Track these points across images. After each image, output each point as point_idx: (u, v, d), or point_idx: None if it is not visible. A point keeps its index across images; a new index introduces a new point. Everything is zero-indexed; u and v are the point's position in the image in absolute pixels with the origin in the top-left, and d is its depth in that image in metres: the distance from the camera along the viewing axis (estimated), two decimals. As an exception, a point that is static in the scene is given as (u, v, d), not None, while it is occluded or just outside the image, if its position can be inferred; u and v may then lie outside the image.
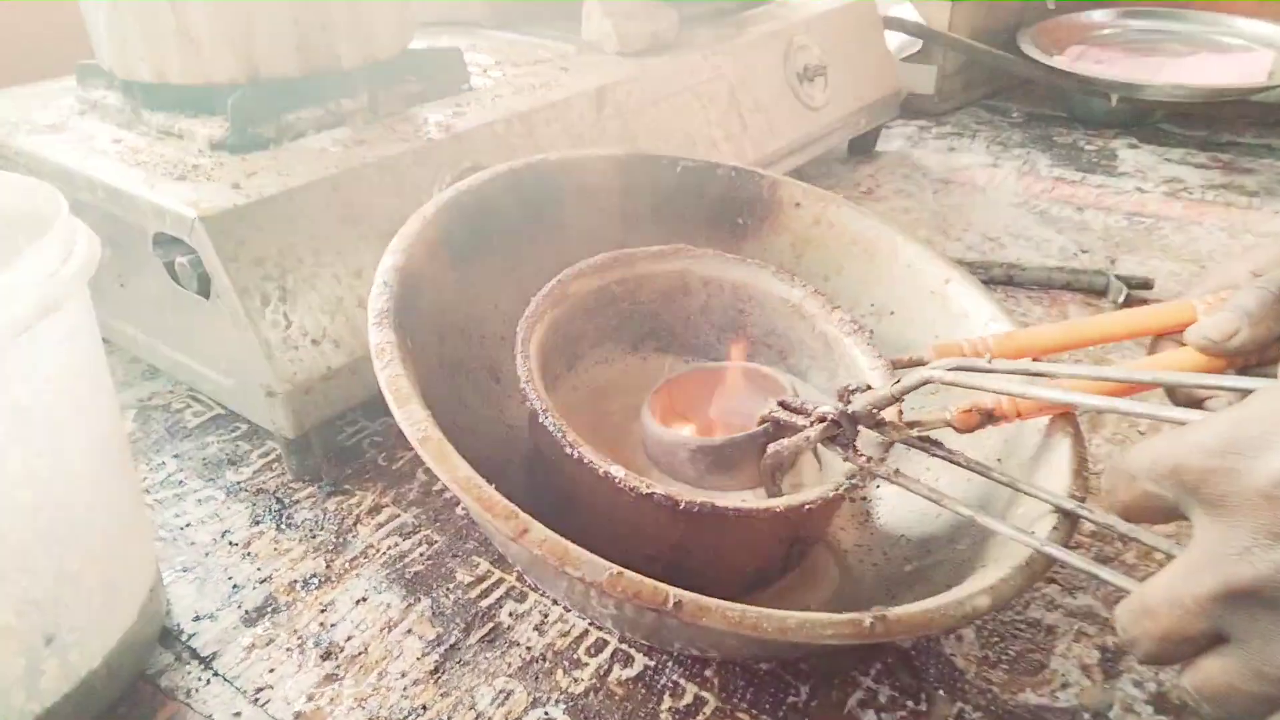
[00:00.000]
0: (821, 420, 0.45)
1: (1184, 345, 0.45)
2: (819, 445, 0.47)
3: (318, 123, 0.70)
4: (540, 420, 0.47)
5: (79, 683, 0.46)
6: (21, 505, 0.41)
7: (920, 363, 0.53)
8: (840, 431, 0.45)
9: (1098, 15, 1.44)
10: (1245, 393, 0.32)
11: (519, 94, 0.79)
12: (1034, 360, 0.47)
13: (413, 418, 0.41)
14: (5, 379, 0.39)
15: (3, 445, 0.40)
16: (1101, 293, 0.86)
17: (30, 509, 0.42)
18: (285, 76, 0.69)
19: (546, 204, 0.62)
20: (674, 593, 0.36)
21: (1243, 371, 0.44)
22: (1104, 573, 0.37)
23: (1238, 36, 1.37)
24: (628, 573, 0.37)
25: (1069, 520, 0.42)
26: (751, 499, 0.48)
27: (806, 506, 0.46)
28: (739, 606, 0.37)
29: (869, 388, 0.46)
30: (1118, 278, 0.85)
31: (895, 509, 0.57)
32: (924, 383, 0.43)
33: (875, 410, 0.45)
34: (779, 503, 0.46)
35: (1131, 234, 0.99)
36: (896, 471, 0.45)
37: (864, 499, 0.59)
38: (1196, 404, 0.44)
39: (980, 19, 1.31)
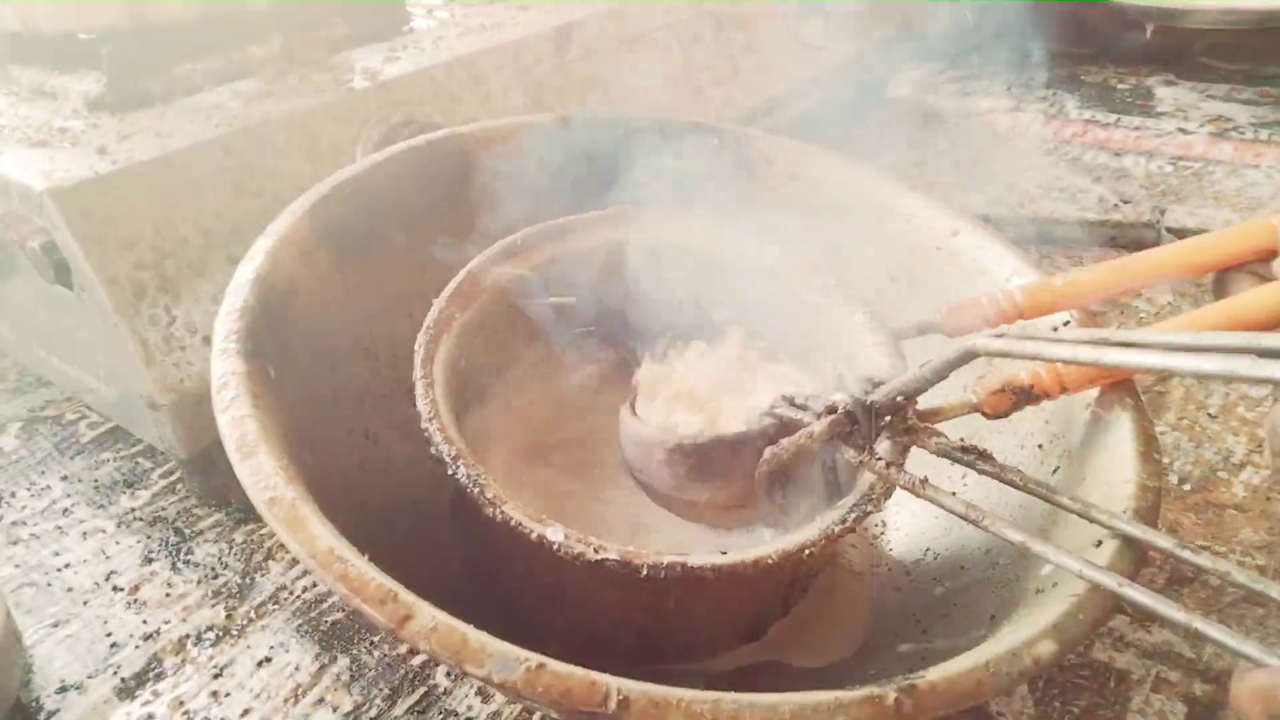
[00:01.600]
0: (831, 412, 0.34)
1: (1271, 280, 0.34)
2: (832, 449, 0.36)
3: (218, 75, 0.59)
4: (451, 474, 0.36)
5: (-123, 797, 0.35)
6: None
7: (933, 327, 0.42)
8: (855, 429, 0.34)
9: (1126, -60, 1.30)
10: None
11: (466, 35, 0.68)
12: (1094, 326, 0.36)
13: (259, 472, 0.30)
14: None
15: None
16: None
17: None
18: (178, 20, 0.58)
19: (465, 188, 0.50)
20: (616, 687, 0.26)
21: None
22: (1213, 630, 0.27)
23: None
24: (550, 664, 0.26)
25: (1137, 549, 0.31)
26: (736, 544, 0.37)
27: (807, 550, 0.35)
28: (710, 696, 0.26)
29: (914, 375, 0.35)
30: (1169, 230, 0.73)
31: (915, 517, 0.46)
32: (967, 358, 0.32)
33: (902, 399, 0.34)
34: (770, 551, 0.35)
35: (1178, 180, 0.87)
36: (924, 482, 0.34)
37: (881, 533, 0.48)
38: None
39: (996, -53, 1.18)
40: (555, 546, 0.33)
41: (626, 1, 0.75)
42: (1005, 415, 0.38)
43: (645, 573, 0.33)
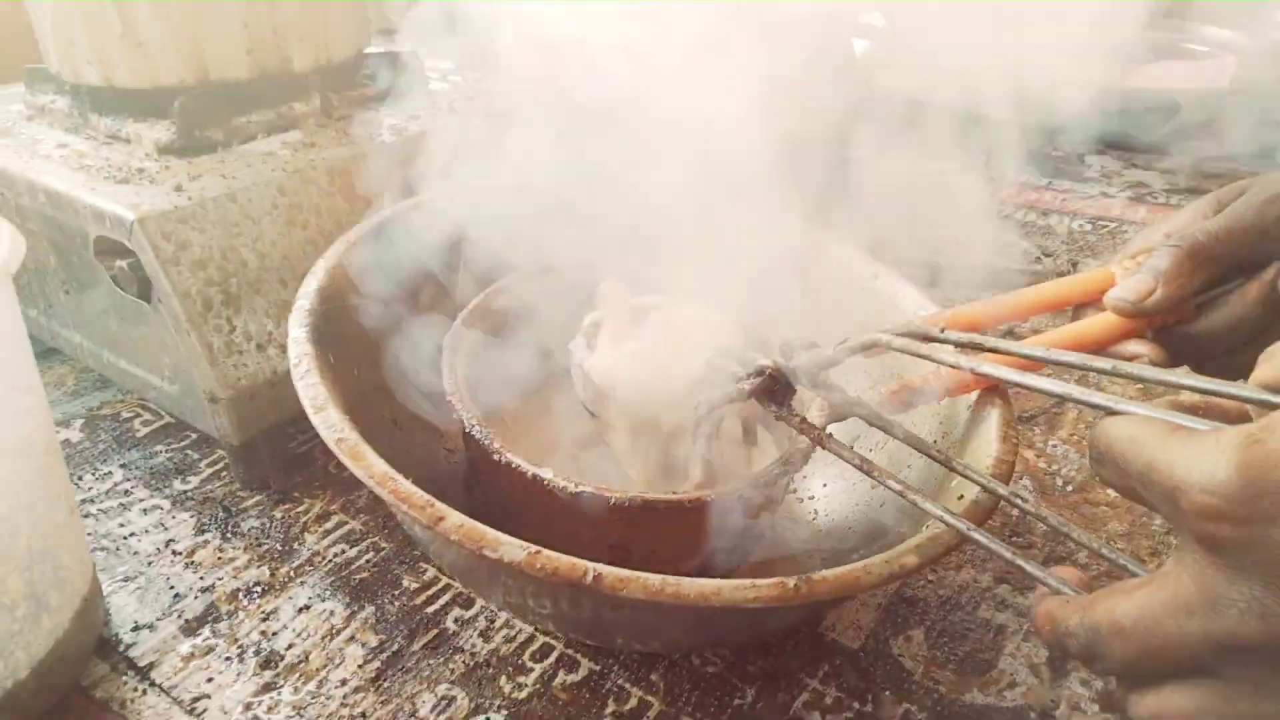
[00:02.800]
0: (759, 374, 0.44)
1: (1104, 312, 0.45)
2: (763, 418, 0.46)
3: (268, 126, 0.69)
4: (467, 430, 0.46)
5: (3, 695, 0.44)
6: (-58, 501, 0.40)
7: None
8: (777, 389, 0.44)
9: (1064, 23, 1.45)
10: (1206, 392, 0.30)
11: (473, 100, 0.79)
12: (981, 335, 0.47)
13: (329, 421, 0.40)
14: (-81, 380, 0.38)
15: (-82, 446, 0.39)
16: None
17: (-49, 505, 0.41)
18: (235, 79, 0.69)
19: (481, 218, 0.61)
20: (592, 566, 0.36)
21: (1159, 332, 0.44)
22: (1024, 563, 0.36)
23: (1204, 43, 1.38)
24: (545, 551, 0.36)
25: (990, 498, 0.42)
26: (686, 490, 0.47)
27: (739, 493, 0.45)
28: (659, 576, 0.36)
29: (814, 345, 0.46)
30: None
31: (839, 505, 0.57)
32: (870, 345, 0.42)
33: (817, 370, 0.44)
34: (709, 491, 0.45)
35: (1095, 238, 0.99)
36: (829, 436, 0.44)
37: (811, 497, 0.58)
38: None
39: (947, 26, 1.32)
40: (545, 482, 0.43)
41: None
42: (904, 411, 0.48)
43: (612, 501, 0.43)
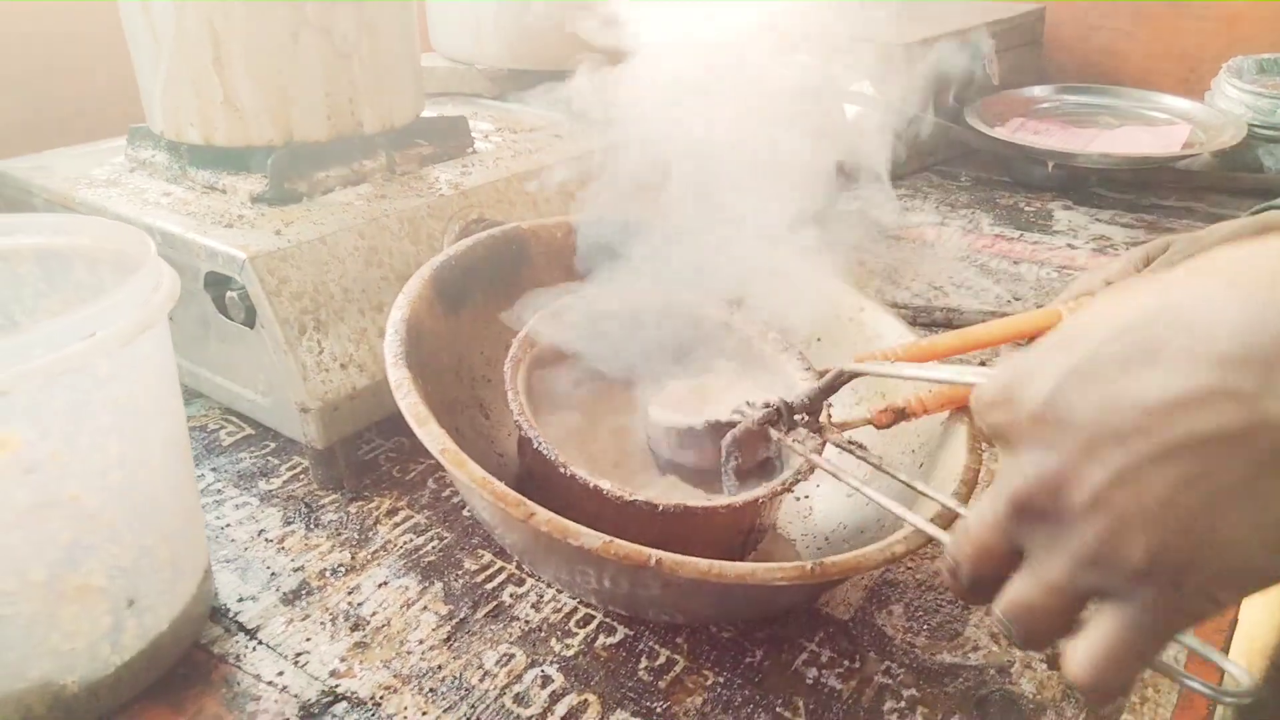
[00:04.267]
0: (766, 407, 0.55)
1: None
2: (773, 441, 0.57)
3: (343, 180, 0.81)
4: (535, 446, 0.56)
5: (150, 642, 0.54)
6: (115, 485, 0.51)
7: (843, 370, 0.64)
8: (780, 418, 0.55)
9: (1037, 91, 1.59)
10: None
11: (518, 156, 0.91)
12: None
13: (433, 435, 0.51)
14: (111, 378, 0.49)
15: (105, 432, 0.49)
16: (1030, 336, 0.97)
17: (120, 489, 0.51)
18: (315, 140, 0.80)
19: (520, 263, 0.73)
20: (654, 553, 0.46)
21: None
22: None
23: (1162, 111, 1.51)
24: (617, 540, 0.46)
25: (949, 513, 0.52)
26: (717, 499, 0.58)
27: (760, 500, 0.56)
28: (707, 560, 0.46)
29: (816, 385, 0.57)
30: (1043, 321, 0.96)
31: (831, 504, 0.67)
32: (840, 374, 0.53)
33: (808, 400, 0.55)
34: (738, 499, 0.56)
35: (1059, 285, 1.11)
36: (821, 452, 0.55)
37: (806, 497, 0.69)
38: None
39: (930, 94, 1.45)
40: (605, 491, 0.53)
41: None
42: (889, 427, 0.59)
43: (661, 508, 0.53)
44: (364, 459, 0.77)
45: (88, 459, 0.48)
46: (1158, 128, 1.46)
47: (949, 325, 1.00)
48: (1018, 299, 1.07)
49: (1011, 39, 1.59)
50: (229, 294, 0.68)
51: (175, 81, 0.78)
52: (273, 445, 0.79)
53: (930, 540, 0.50)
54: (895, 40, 1.39)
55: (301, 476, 0.75)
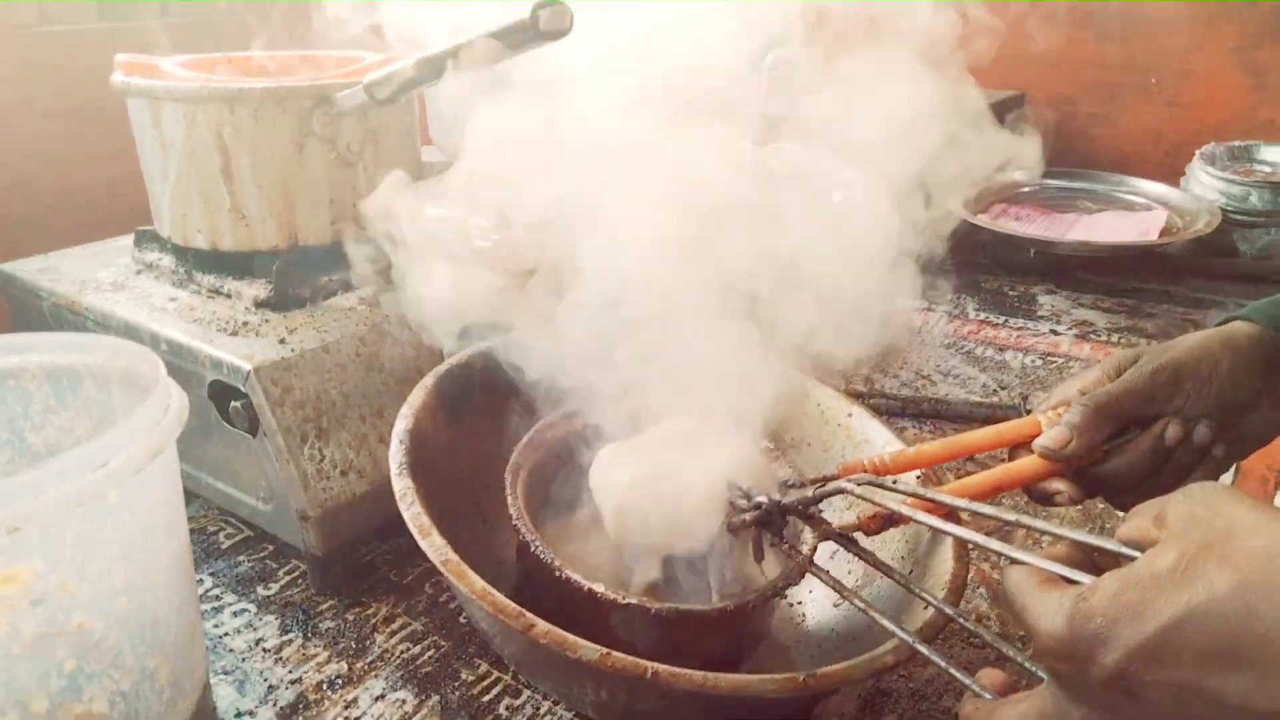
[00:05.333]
0: (758, 508, 0.56)
1: (1032, 454, 0.58)
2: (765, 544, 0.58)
3: (346, 284, 0.83)
4: (532, 550, 0.57)
5: (149, 765, 0.54)
6: (120, 611, 0.51)
7: (833, 478, 0.65)
8: (771, 520, 0.56)
9: (1019, 175, 1.63)
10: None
11: (516, 254, 0.93)
12: (924, 484, 0.60)
13: (435, 545, 0.52)
14: (120, 507, 0.50)
15: (114, 559, 0.50)
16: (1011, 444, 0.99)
17: (126, 614, 0.52)
18: (320, 243, 0.82)
19: (520, 370, 0.74)
20: (650, 665, 0.47)
21: (1077, 471, 0.57)
22: (954, 670, 0.47)
23: (1140, 195, 1.56)
24: (614, 652, 0.47)
25: (941, 616, 0.53)
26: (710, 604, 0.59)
27: (751, 604, 0.57)
28: (702, 673, 0.47)
29: (803, 484, 0.58)
30: (1028, 411, 0.98)
31: (823, 609, 0.68)
32: (839, 491, 0.55)
33: (800, 506, 0.56)
34: (729, 602, 0.57)
35: (1045, 372, 1.14)
36: (811, 561, 0.56)
37: (799, 603, 0.69)
38: (1047, 498, 0.57)
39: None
40: (599, 595, 0.54)
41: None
42: (878, 533, 0.60)
43: (653, 611, 0.54)
44: (362, 562, 0.77)
45: (96, 587, 0.49)
46: (1136, 213, 1.50)
47: (937, 416, 1.02)
48: (1003, 388, 1.10)
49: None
50: (233, 404, 0.69)
51: (184, 189, 0.80)
52: (271, 548, 0.79)
53: (915, 653, 0.51)
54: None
55: (300, 581, 0.75)
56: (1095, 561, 0.43)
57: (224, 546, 0.79)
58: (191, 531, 0.81)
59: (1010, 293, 1.40)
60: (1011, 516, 0.47)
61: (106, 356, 0.61)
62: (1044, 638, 0.37)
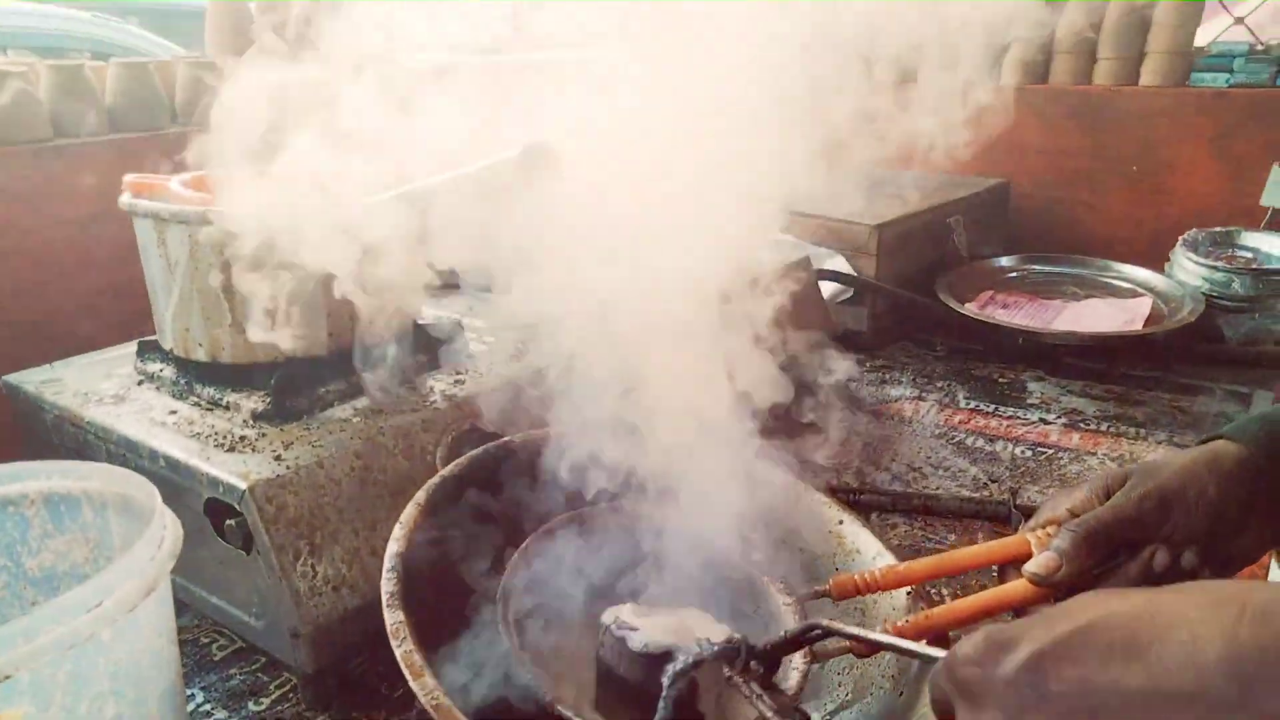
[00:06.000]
0: (725, 643, 0.56)
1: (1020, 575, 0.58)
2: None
3: (342, 395, 0.85)
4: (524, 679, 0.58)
5: None
6: (111, 747, 0.52)
7: (825, 593, 0.65)
8: (737, 658, 0.56)
9: (1005, 261, 1.67)
10: None
11: (509, 361, 0.95)
12: (914, 600, 0.60)
13: (426, 688, 0.52)
14: (112, 645, 0.51)
15: (105, 696, 0.51)
16: (1005, 521, 1.00)
17: (116, 750, 0.52)
18: (317, 354, 0.85)
19: (512, 473, 0.75)
20: None
21: (1067, 594, 0.57)
22: None
23: (1125, 280, 1.59)
24: None
25: None
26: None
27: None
28: None
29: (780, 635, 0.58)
30: (1017, 507, 0.99)
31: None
32: (811, 629, 0.55)
33: (770, 648, 0.56)
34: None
35: (1035, 464, 1.15)
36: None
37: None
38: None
39: (903, 268, 1.52)
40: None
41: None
42: (870, 655, 0.61)
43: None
44: (354, 675, 0.77)
45: (86, 728, 0.49)
46: (1122, 299, 1.53)
47: (927, 512, 1.03)
48: (994, 480, 1.10)
49: (978, 213, 1.68)
50: (228, 522, 0.71)
51: (186, 305, 0.83)
52: (263, 660, 0.79)
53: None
54: (866, 220, 1.47)
55: (291, 695, 0.75)
56: None
57: (217, 659, 0.80)
58: (185, 643, 0.81)
59: (1000, 379, 1.41)
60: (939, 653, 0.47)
61: (103, 483, 0.62)
62: (958, 654, 0.39)
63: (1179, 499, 0.60)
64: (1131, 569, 0.58)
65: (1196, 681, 0.34)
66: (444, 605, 0.68)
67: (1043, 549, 0.59)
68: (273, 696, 0.75)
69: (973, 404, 1.33)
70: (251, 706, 0.74)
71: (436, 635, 0.65)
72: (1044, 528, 0.64)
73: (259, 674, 0.78)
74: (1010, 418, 1.28)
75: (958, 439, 1.22)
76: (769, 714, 0.53)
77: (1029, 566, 0.59)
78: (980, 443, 1.21)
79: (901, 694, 0.64)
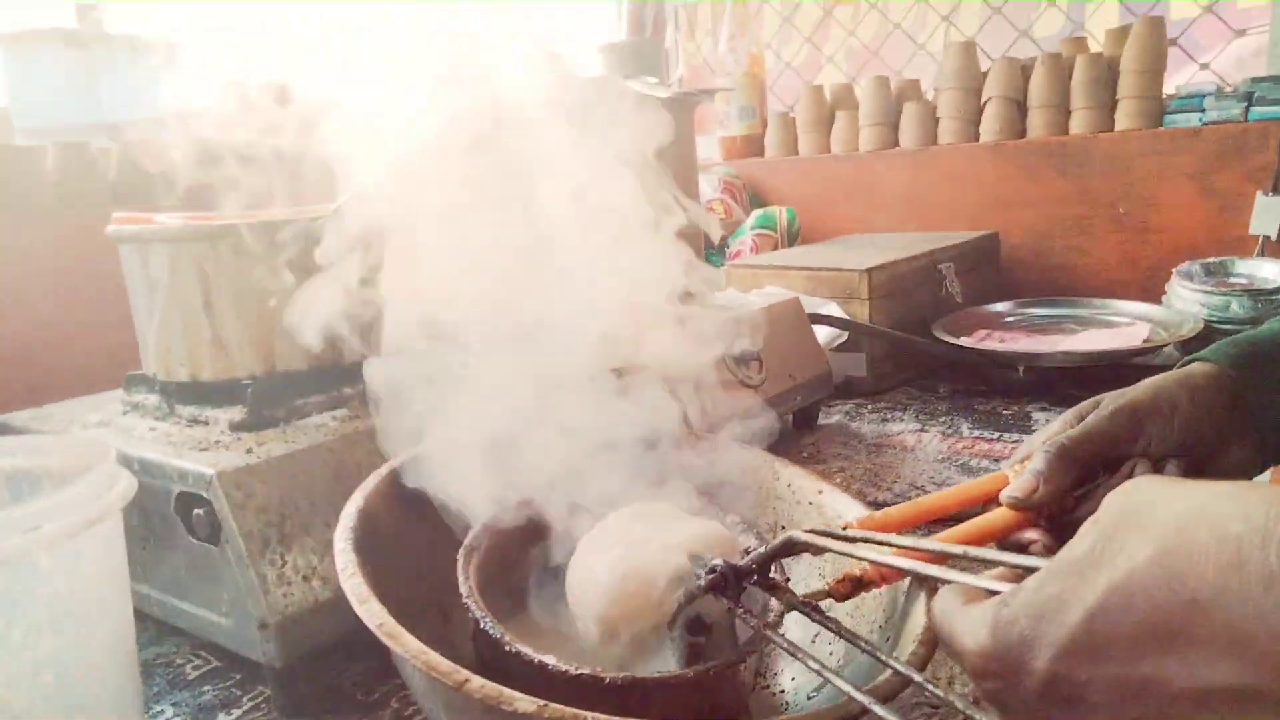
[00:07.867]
0: (712, 571, 0.54)
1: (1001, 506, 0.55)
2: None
3: (321, 406, 0.85)
4: (481, 627, 0.55)
5: None
6: (44, 687, 0.49)
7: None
8: (726, 584, 0.54)
9: (1000, 306, 1.67)
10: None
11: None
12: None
13: (371, 611, 0.50)
14: (53, 574, 0.49)
15: (39, 629, 0.49)
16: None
17: (51, 692, 0.50)
18: (297, 368, 0.85)
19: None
20: (591, 714, 0.44)
21: (1051, 521, 0.54)
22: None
23: (1122, 315, 1.58)
24: (552, 704, 0.44)
25: (899, 679, 0.49)
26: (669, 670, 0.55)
27: (712, 671, 0.53)
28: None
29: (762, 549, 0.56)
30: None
31: (799, 680, 0.63)
32: (788, 542, 0.53)
33: (754, 566, 0.54)
34: (690, 670, 0.53)
35: (1043, 475, 1.11)
36: (770, 626, 0.53)
37: (781, 691, 0.65)
38: (1023, 550, 0.54)
39: (897, 313, 1.52)
40: (550, 666, 0.52)
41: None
42: (848, 598, 0.57)
43: (606, 681, 0.51)
44: (329, 683, 0.74)
45: (18, 656, 0.47)
46: (1119, 329, 1.51)
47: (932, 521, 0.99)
48: (1001, 491, 1.07)
49: (969, 260, 1.69)
50: (195, 511, 0.69)
51: (168, 323, 0.84)
52: (238, 677, 0.76)
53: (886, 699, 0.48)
54: (857, 266, 1.49)
55: (264, 706, 0.72)
56: None
57: (190, 677, 0.77)
58: (159, 665, 0.79)
59: (1004, 412, 1.39)
60: (958, 550, 0.45)
61: (65, 458, 0.62)
62: (972, 656, 0.35)
63: (1150, 411, 0.59)
64: (1113, 484, 0.55)
65: (1250, 676, 0.29)
66: (410, 583, 0.65)
67: None
68: (244, 708, 0.72)
69: (976, 433, 1.30)
70: (222, 717, 0.71)
71: (402, 609, 0.63)
72: (1020, 462, 0.62)
73: (233, 689, 0.75)
74: (1015, 442, 1.25)
75: (961, 461, 1.19)
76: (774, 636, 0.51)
77: (1007, 491, 0.57)
78: (985, 464, 1.18)
79: (889, 638, 0.60)
